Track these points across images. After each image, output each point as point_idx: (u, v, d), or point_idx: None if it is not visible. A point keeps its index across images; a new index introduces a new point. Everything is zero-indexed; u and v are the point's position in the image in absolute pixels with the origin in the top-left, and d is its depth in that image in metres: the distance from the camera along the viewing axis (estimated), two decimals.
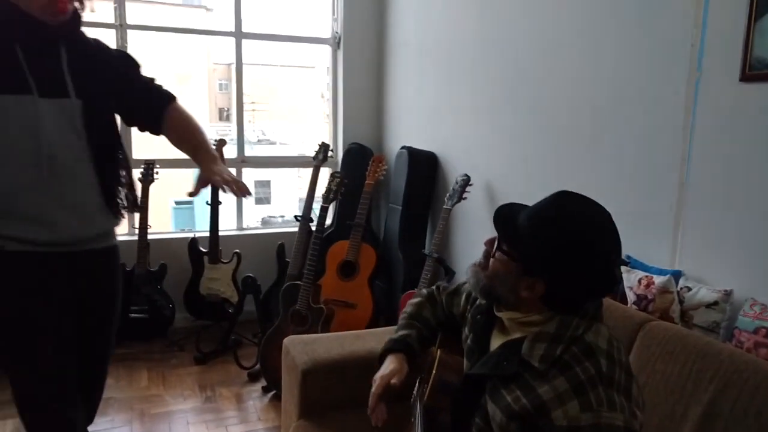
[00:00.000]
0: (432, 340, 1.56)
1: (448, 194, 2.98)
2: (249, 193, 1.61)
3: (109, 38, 3.46)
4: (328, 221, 3.88)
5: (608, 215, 1.17)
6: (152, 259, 3.51)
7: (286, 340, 2.18)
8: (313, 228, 3.20)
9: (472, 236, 3.08)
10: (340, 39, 3.97)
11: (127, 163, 1.76)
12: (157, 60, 3.45)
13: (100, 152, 1.63)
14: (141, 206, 1.76)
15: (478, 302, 1.39)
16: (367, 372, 1.83)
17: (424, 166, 3.43)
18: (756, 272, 1.70)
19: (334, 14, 3.99)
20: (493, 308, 1.30)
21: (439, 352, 1.48)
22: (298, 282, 3.02)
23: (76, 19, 1.58)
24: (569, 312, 1.17)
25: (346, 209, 3.77)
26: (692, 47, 1.87)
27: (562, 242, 1.13)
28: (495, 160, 2.88)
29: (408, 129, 3.72)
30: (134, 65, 1.75)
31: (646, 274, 1.90)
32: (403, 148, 3.53)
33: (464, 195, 2.93)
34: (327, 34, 4.03)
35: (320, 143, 3.67)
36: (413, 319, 1.57)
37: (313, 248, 3.07)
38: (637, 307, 1.87)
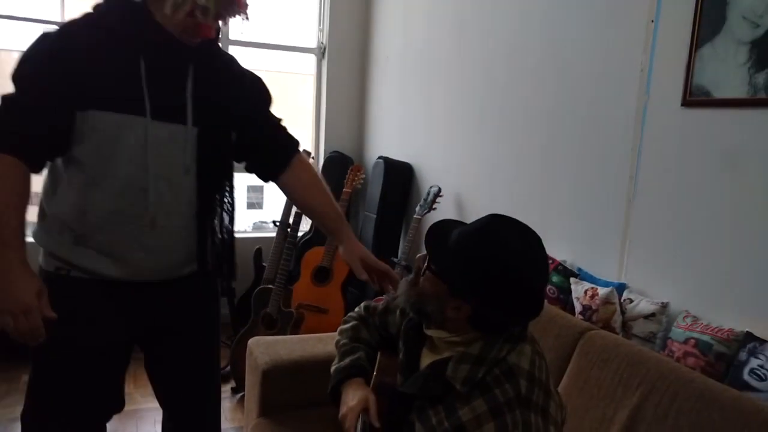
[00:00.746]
0: (375, 360, 1.48)
1: (419, 204, 3.07)
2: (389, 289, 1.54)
3: None
4: (306, 227, 3.96)
5: (536, 242, 1.18)
6: None
7: (250, 342, 2.25)
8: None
9: None
10: (325, 49, 4.07)
11: (231, 209, 1.56)
12: None
13: (207, 192, 1.46)
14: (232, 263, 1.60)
15: (410, 317, 1.36)
16: (326, 374, 1.90)
17: (399, 176, 3.52)
18: (690, 286, 1.80)
19: (320, 25, 4.09)
20: (423, 325, 1.29)
21: (378, 354, 1.46)
22: (271, 286, 3.09)
23: (212, 39, 1.41)
24: (495, 333, 1.18)
25: None
26: (641, 72, 1.97)
27: (487, 268, 1.14)
28: (465, 173, 2.97)
29: (386, 139, 3.81)
30: (267, 100, 1.59)
31: (593, 285, 1.99)
32: (380, 158, 3.62)
33: (434, 206, 3.02)
34: (313, 44, 4.14)
35: (302, 150, 3.75)
36: (355, 342, 1.48)
37: (287, 253, 3.15)
38: (583, 317, 1.96)
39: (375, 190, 3.59)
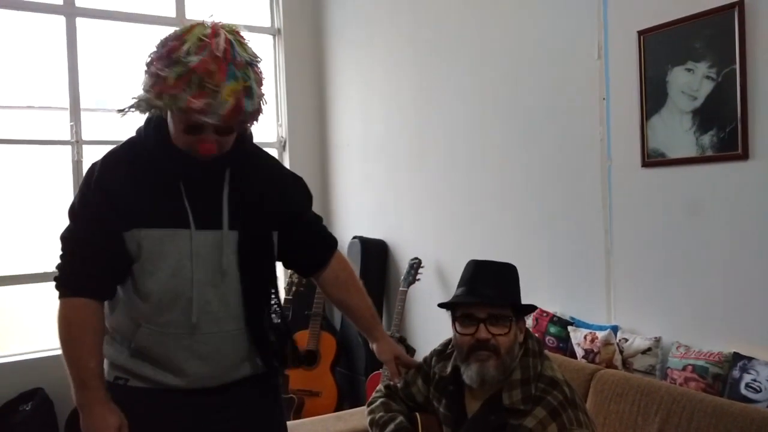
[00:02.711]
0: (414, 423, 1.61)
1: (402, 277, 3.25)
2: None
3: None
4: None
5: None
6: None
7: None
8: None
9: (428, 314, 3.33)
10: (285, 142, 4.29)
11: (281, 309, 1.58)
12: None
13: (252, 294, 1.48)
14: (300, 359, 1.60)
15: (437, 377, 1.57)
16: None
17: (375, 253, 3.70)
18: (676, 319, 2.06)
19: (278, 120, 4.33)
20: (462, 375, 1.46)
21: (418, 416, 1.60)
22: None
23: (239, 142, 1.43)
24: (523, 354, 1.45)
25: (302, 299, 3.94)
26: (601, 141, 2.30)
27: (510, 278, 1.50)
28: (442, 241, 3.20)
29: (358, 219, 4.01)
30: (307, 200, 1.64)
31: (590, 330, 2.22)
32: (355, 237, 3.80)
33: (418, 276, 3.21)
34: (273, 138, 4.35)
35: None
36: (392, 411, 1.59)
37: None
38: (586, 359, 2.17)
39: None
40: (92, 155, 3.71)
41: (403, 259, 3.49)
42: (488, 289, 1.44)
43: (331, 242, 1.67)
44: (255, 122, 1.42)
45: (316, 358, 3.55)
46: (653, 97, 2.09)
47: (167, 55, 1.27)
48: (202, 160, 1.37)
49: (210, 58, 1.26)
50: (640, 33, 2.11)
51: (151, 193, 1.39)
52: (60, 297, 1.39)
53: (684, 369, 1.91)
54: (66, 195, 3.62)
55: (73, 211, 1.42)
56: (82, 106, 3.62)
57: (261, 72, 1.36)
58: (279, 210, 1.52)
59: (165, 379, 1.42)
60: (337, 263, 1.65)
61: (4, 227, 6.61)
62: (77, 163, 3.61)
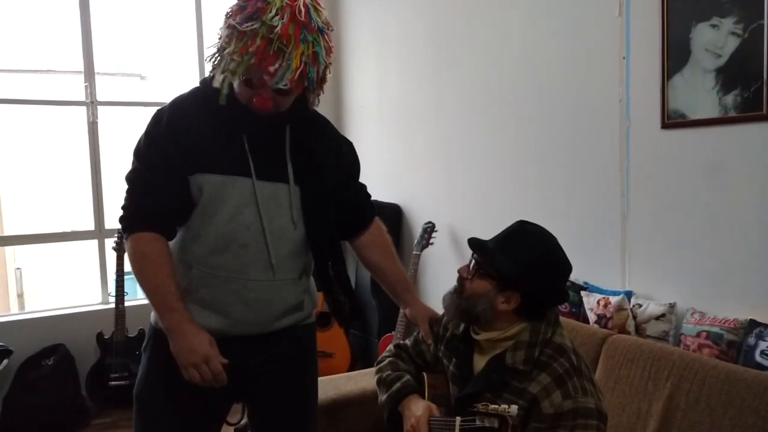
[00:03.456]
0: (420, 382, 1.62)
1: (415, 241, 3.24)
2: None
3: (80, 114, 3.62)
4: None
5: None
6: (130, 325, 3.57)
7: None
8: None
9: (441, 278, 3.33)
10: None
11: (342, 264, 1.61)
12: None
13: (318, 244, 1.53)
14: (354, 316, 1.65)
15: (449, 335, 1.56)
16: (363, 409, 1.93)
17: (389, 217, 3.68)
18: (692, 285, 2.02)
19: None
20: (471, 333, 1.48)
21: (425, 375, 1.62)
22: None
23: (301, 107, 1.48)
24: (536, 319, 1.40)
25: None
26: (620, 102, 2.23)
27: (533, 257, 1.39)
28: (456, 205, 3.17)
29: (372, 183, 3.96)
30: (357, 166, 1.69)
31: (603, 295, 2.19)
32: None
33: (431, 240, 3.19)
34: None
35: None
36: (399, 371, 1.61)
37: None
38: (598, 325, 2.15)
39: None
40: (107, 117, 3.73)
41: (417, 223, 3.47)
42: (502, 247, 1.41)
43: (372, 210, 1.71)
44: (320, 91, 1.46)
45: (330, 319, 3.59)
46: (675, 55, 2.01)
47: (253, 14, 1.30)
48: (260, 114, 1.40)
49: (291, 22, 1.29)
50: None
51: (215, 141, 1.43)
52: (130, 233, 1.43)
53: (698, 335, 1.88)
54: (82, 156, 3.65)
55: (139, 152, 1.45)
56: (100, 70, 3.61)
57: (331, 40, 1.40)
58: (335, 171, 1.57)
59: (209, 320, 1.45)
60: (375, 228, 1.69)
61: (23, 188, 6.75)
62: (92, 125, 3.61)
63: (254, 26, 1.29)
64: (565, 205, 2.50)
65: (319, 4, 1.39)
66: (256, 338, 1.50)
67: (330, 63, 1.42)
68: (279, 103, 1.40)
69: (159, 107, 1.48)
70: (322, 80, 1.43)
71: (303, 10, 1.31)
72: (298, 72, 1.32)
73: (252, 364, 1.52)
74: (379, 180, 3.91)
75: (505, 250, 1.40)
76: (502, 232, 1.46)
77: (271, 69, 1.30)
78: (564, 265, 1.42)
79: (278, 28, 1.28)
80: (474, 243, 1.46)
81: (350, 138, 1.72)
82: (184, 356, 1.37)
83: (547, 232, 1.44)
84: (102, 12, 3.61)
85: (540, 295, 1.39)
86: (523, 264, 1.37)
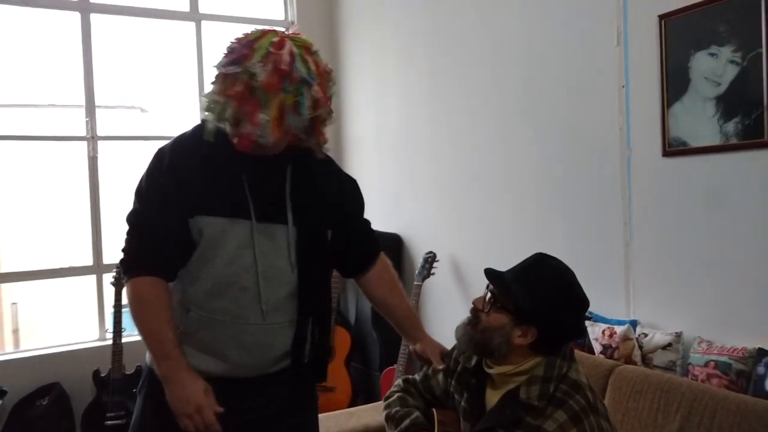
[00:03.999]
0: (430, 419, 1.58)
1: (416, 271, 3.21)
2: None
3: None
4: None
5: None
6: (127, 361, 3.51)
7: None
8: None
9: (443, 308, 3.29)
10: None
11: (328, 307, 1.60)
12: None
13: (307, 290, 1.50)
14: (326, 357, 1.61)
15: (461, 368, 1.52)
16: None
17: (390, 248, 3.66)
18: (698, 314, 1.99)
19: None
20: (483, 366, 1.45)
21: (434, 411, 1.58)
22: None
23: (303, 149, 1.47)
24: (551, 354, 1.36)
25: None
26: (620, 130, 2.23)
27: (552, 292, 1.36)
28: (457, 235, 3.15)
29: (371, 213, 3.95)
30: (361, 204, 1.67)
31: (608, 325, 2.15)
32: None
33: (432, 271, 3.16)
34: None
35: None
36: (408, 407, 1.57)
37: None
38: (604, 355, 2.11)
39: None
40: (107, 151, 3.73)
41: (417, 253, 3.44)
42: (520, 280, 1.38)
43: (376, 246, 1.69)
44: (316, 139, 1.43)
45: (330, 352, 3.53)
46: (675, 83, 2.02)
47: (237, 59, 1.32)
48: (255, 153, 1.40)
49: (273, 71, 1.30)
50: (661, 17, 2.04)
51: (215, 182, 1.42)
52: (130, 277, 1.43)
53: (706, 365, 1.84)
54: (82, 190, 3.63)
55: (140, 193, 1.45)
56: (101, 103, 3.62)
57: (326, 88, 1.38)
58: (337, 210, 1.56)
59: (206, 364, 1.44)
60: (380, 264, 1.68)
61: (21, 223, 6.73)
62: (93, 159, 3.61)
63: (236, 71, 1.31)
64: (567, 234, 2.48)
65: (309, 52, 1.37)
66: (253, 380, 1.48)
67: (323, 110, 1.39)
68: (262, 148, 1.38)
69: (160, 146, 1.48)
70: (315, 128, 1.41)
71: (288, 59, 1.31)
72: (276, 123, 1.31)
73: (248, 407, 1.48)
74: (378, 210, 3.90)
75: (522, 282, 1.38)
76: (520, 263, 1.44)
77: (255, 119, 1.30)
78: (582, 301, 1.39)
79: (260, 76, 1.29)
80: (491, 274, 1.43)
81: (350, 168, 1.73)
82: (178, 405, 1.36)
83: (566, 266, 1.42)
84: (103, 45, 3.64)
85: (557, 330, 1.37)
86: (542, 298, 1.35)
